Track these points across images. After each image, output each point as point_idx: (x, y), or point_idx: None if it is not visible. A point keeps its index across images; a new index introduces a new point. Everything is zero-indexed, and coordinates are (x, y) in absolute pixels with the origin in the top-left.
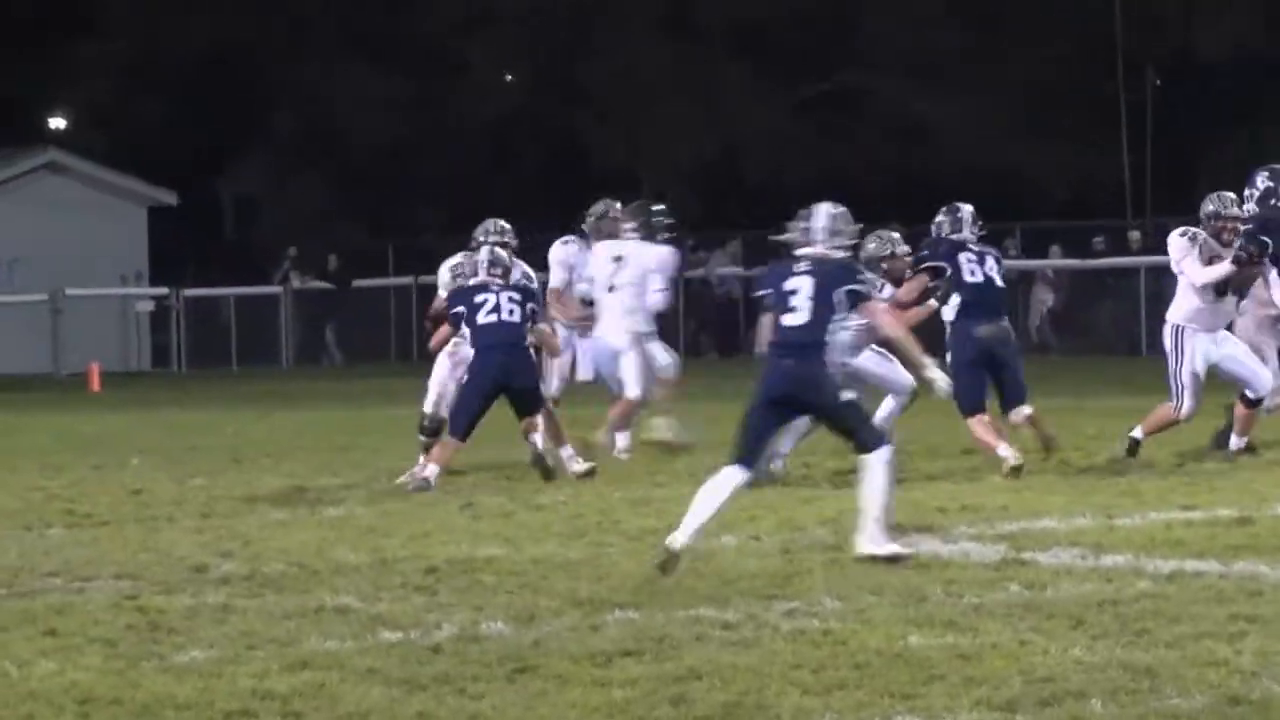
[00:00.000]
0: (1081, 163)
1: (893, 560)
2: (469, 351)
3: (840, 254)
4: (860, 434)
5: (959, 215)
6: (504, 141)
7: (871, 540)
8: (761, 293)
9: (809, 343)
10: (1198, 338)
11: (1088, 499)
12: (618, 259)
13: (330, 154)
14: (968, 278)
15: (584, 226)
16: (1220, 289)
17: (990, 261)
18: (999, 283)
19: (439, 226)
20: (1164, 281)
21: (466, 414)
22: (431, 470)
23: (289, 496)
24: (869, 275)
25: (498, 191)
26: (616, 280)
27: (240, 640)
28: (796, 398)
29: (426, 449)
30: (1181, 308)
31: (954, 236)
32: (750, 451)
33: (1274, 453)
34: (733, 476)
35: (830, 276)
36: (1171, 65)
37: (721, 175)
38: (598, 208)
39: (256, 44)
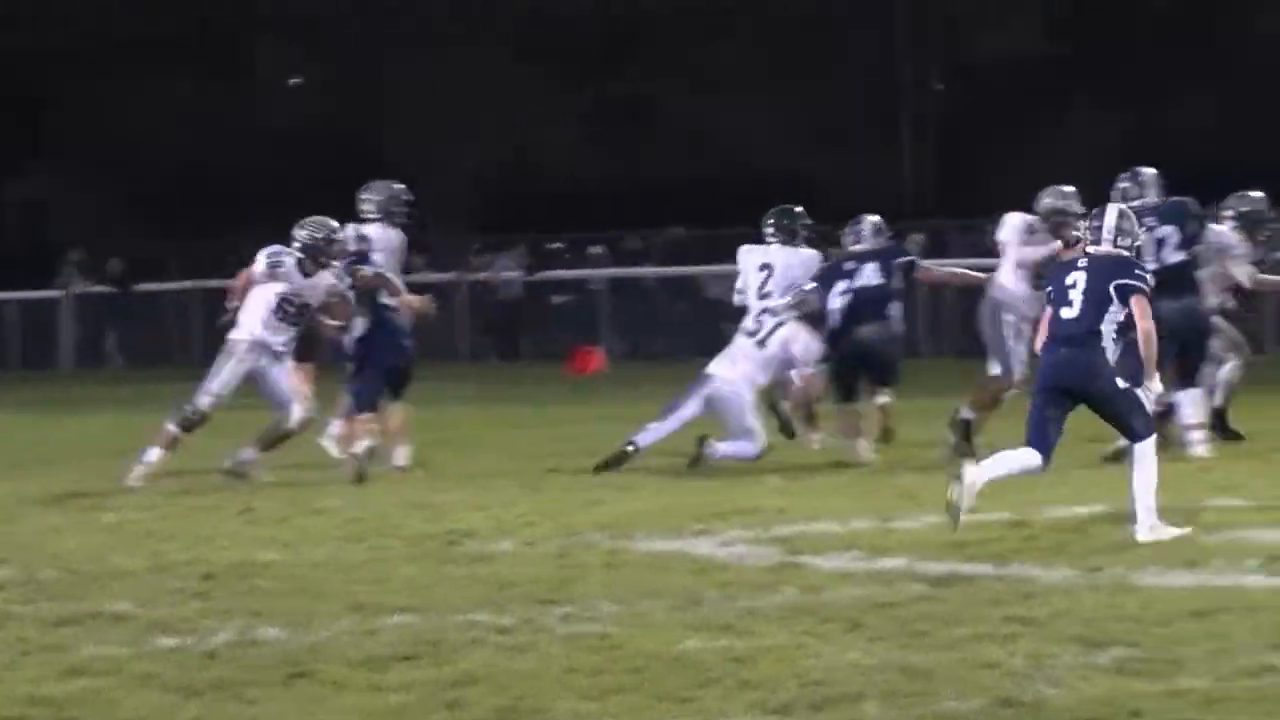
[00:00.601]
0: (865, 167)
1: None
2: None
3: (1122, 252)
4: (1132, 423)
5: (859, 228)
6: (292, 145)
7: (1151, 529)
8: (1046, 289)
9: (1083, 334)
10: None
11: (864, 502)
12: (765, 267)
13: (119, 158)
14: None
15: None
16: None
17: (869, 269)
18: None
19: (226, 231)
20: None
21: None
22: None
23: (64, 501)
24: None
25: (286, 195)
26: (768, 287)
27: (15, 647)
28: (1073, 386)
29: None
30: (1004, 287)
31: (854, 248)
32: (1041, 443)
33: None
34: (1025, 455)
35: (1105, 271)
36: (953, 70)
37: (508, 179)
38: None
39: (44, 49)
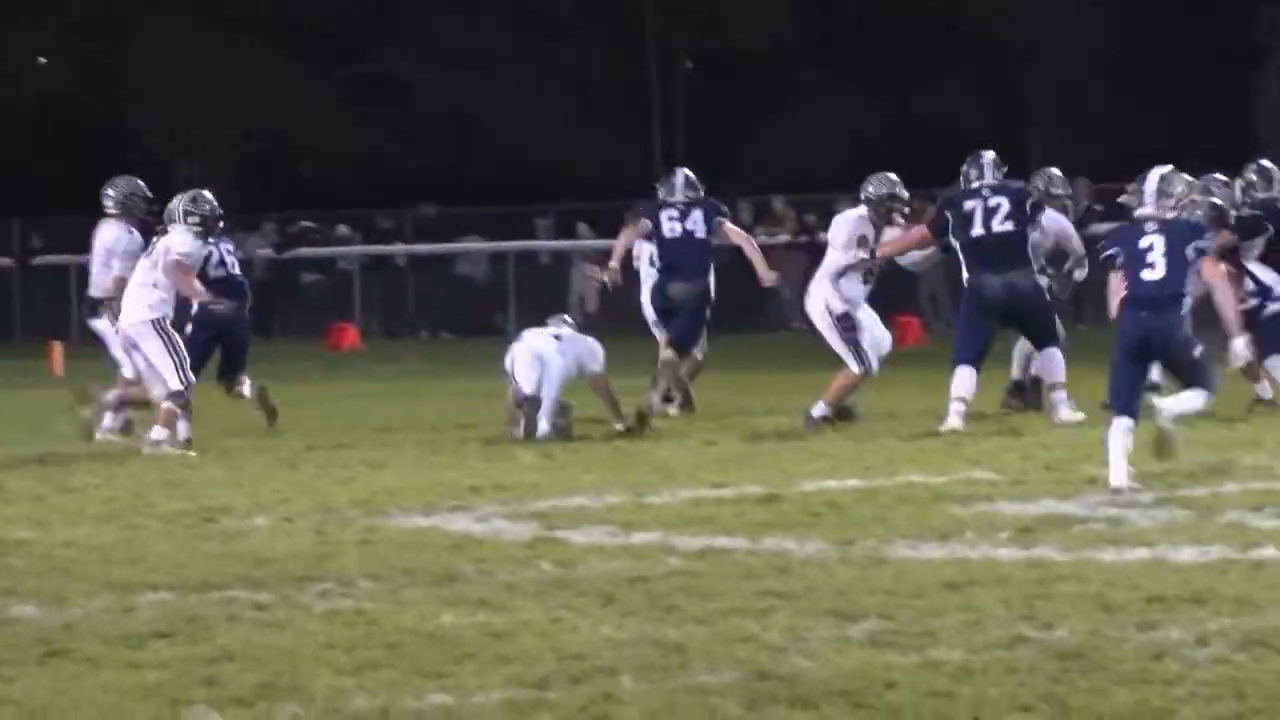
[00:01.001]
0: (618, 150)
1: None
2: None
3: (1177, 214)
4: (1201, 380)
5: (672, 181)
6: (43, 126)
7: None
8: (1109, 253)
9: (1168, 296)
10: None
11: (619, 477)
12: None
13: None
14: (666, 234)
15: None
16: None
17: (695, 215)
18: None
19: None
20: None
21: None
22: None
23: None
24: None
25: (41, 175)
26: None
27: None
28: (1152, 347)
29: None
30: (838, 279)
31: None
32: (1124, 402)
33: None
34: (1122, 425)
35: (1182, 235)
36: (704, 53)
37: (261, 160)
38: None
39: None
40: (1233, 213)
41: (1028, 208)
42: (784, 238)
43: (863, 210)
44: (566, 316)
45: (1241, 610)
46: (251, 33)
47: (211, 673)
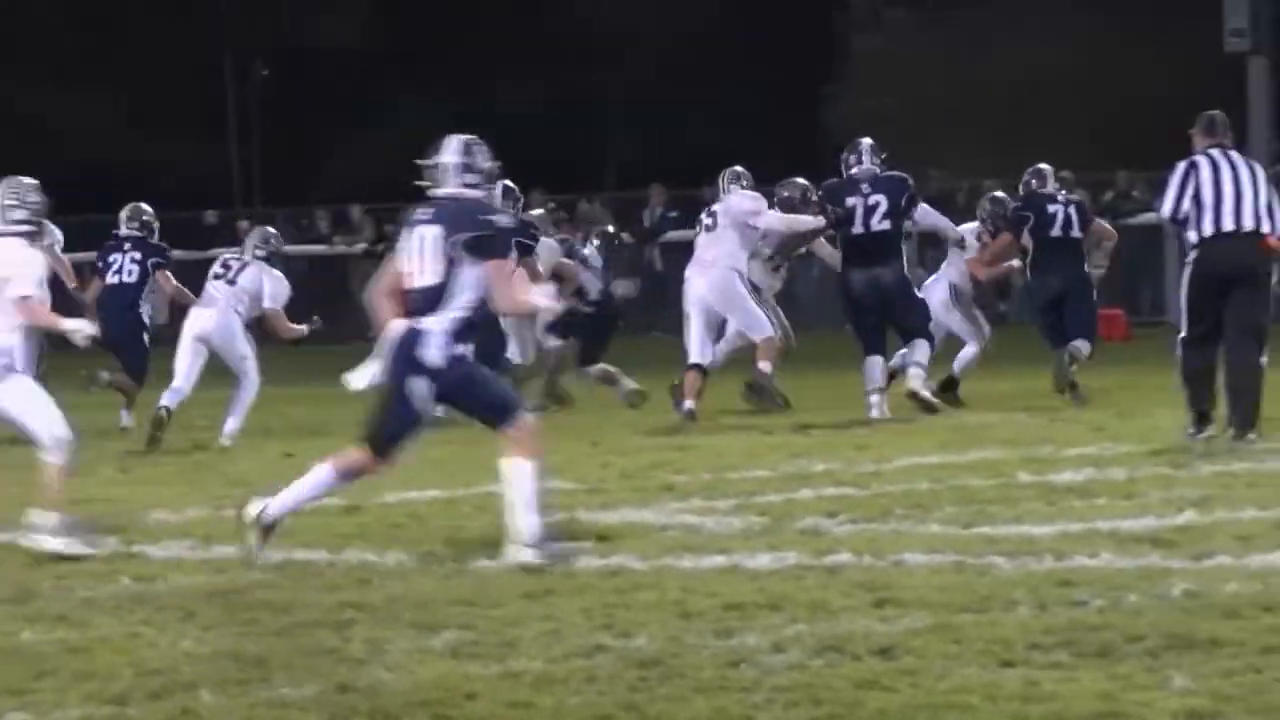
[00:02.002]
0: (192, 155)
1: None
2: None
3: None
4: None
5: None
6: None
7: None
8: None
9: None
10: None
11: (198, 490)
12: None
13: None
14: None
15: None
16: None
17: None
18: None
19: None
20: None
21: None
22: None
23: None
24: None
25: None
26: None
27: None
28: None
29: None
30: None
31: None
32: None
33: None
34: None
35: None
36: (281, 57)
37: None
38: None
39: None
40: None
41: (904, 202)
42: (361, 246)
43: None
44: None
45: (817, 616)
46: None
47: None
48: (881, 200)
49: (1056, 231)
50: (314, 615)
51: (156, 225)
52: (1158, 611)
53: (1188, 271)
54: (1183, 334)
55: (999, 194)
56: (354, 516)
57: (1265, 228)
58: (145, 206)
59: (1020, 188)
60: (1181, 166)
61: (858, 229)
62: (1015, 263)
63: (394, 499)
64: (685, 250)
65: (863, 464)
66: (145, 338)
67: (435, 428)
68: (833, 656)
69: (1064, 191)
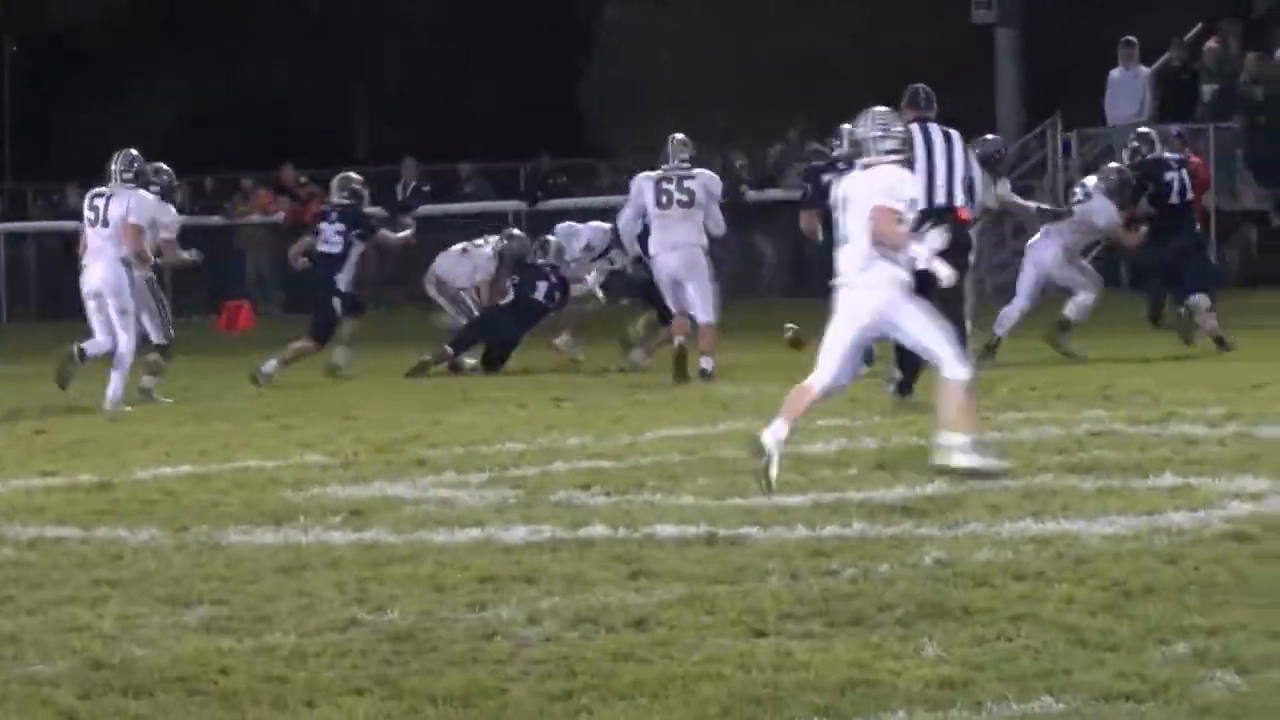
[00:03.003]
0: None
1: None
2: None
3: None
4: None
5: None
6: None
7: None
8: None
9: None
10: None
11: None
12: None
13: None
14: None
15: None
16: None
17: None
18: None
19: None
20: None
21: None
22: None
23: None
24: None
25: None
26: None
27: None
28: None
29: None
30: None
31: None
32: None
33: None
34: None
35: None
36: (30, 34)
37: None
38: None
39: None
40: None
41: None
42: None
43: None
44: None
45: (572, 588)
46: None
47: None
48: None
49: (1174, 199)
50: (67, 592)
51: (366, 194)
52: (909, 580)
53: None
54: None
55: (1116, 165)
56: (107, 493)
57: (960, 201)
58: (355, 175)
59: (1127, 155)
60: None
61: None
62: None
63: (147, 475)
64: (438, 225)
65: (616, 437)
66: (337, 304)
67: (173, 404)
68: (587, 628)
69: (1175, 155)
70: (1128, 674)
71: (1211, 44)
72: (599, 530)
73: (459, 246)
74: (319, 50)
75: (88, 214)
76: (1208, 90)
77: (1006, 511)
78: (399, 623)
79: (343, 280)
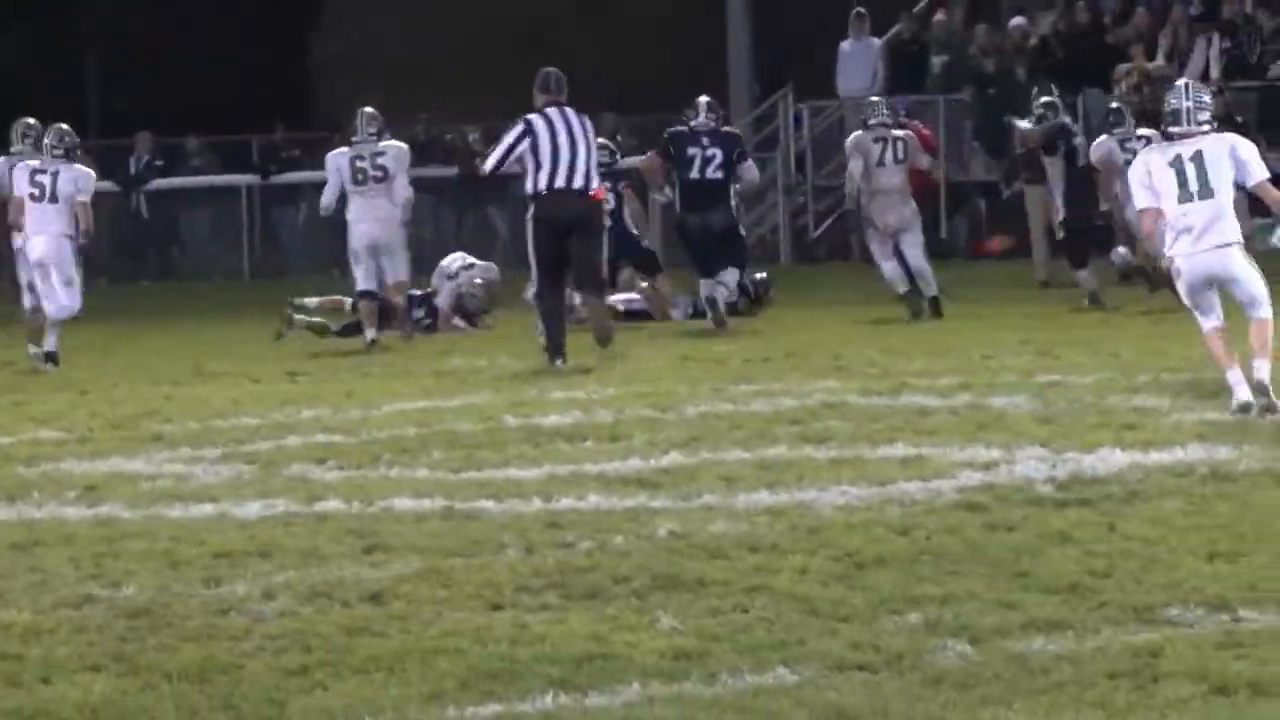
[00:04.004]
0: None
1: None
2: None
3: None
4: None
5: None
6: None
7: None
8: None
9: None
10: None
11: None
12: None
13: None
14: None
15: None
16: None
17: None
18: None
19: None
20: None
21: None
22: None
23: None
24: None
25: None
26: None
27: None
28: None
29: None
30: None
31: None
32: None
33: None
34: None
35: None
36: None
37: None
38: None
39: None
40: None
41: (735, 155)
42: None
43: None
44: None
45: (307, 563)
46: None
47: None
48: (717, 153)
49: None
50: None
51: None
52: (645, 552)
53: (530, 225)
54: (534, 283)
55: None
56: None
57: (593, 185)
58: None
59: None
60: (519, 126)
61: (694, 175)
62: None
63: None
64: (173, 197)
65: (350, 410)
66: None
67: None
68: (323, 603)
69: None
70: (861, 644)
71: (940, 16)
72: (334, 504)
73: None
74: (48, 21)
75: (30, 190)
76: (937, 62)
77: (741, 483)
78: (135, 599)
79: None
